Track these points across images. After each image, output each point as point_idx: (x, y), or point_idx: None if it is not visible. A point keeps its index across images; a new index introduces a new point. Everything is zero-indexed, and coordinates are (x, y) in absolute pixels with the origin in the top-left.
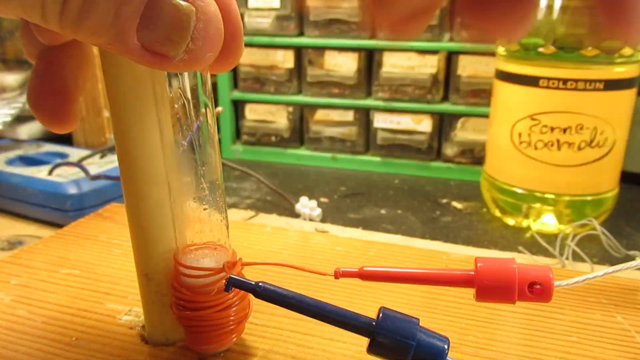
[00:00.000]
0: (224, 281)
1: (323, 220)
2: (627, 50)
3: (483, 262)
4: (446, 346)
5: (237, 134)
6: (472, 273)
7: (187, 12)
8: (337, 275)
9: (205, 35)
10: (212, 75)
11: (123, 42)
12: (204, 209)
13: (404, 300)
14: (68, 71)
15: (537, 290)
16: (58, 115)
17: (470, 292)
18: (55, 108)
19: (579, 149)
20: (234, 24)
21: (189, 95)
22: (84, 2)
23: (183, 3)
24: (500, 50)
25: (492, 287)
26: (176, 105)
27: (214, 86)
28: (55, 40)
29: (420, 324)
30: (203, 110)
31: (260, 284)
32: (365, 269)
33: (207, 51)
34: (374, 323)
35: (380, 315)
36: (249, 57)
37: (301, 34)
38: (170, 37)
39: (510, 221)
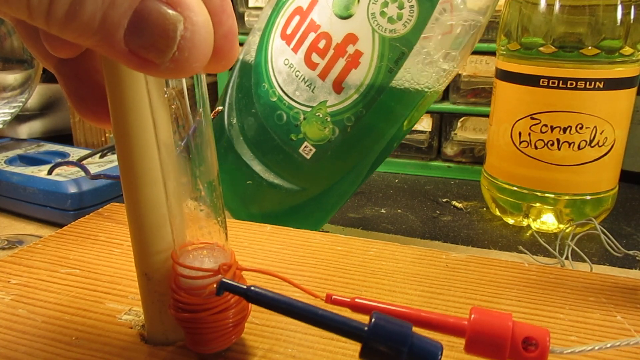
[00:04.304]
0: (215, 285)
1: None
2: (627, 50)
3: (477, 314)
4: (439, 352)
5: None
6: (465, 322)
7: (173, 21)
8: (328, 299)
9: (191, 46)
10: (212, 75)
11: (110, 45)
12: (201, 210)
13: (403, 300)
14: (99, 75)
15: (532, 350)
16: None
17: (471, 293)
18: (103, 112)
19: (579, 148)
20: (226, 25)
21: (185, 95)
22: (71, 4)
23: (171, 12)
24: (501, 49)
25: (482, 342)
26: (172, 106)
27: (215, 85)
28: (70, 53)
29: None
30: (200, 110)
31: (252, 288)
32: (357, 300)
33: (193, 61)
34: (365, 328)
35: (372, 320)
36: None
37: None
38: (156, 44)
39: (510, 220)
